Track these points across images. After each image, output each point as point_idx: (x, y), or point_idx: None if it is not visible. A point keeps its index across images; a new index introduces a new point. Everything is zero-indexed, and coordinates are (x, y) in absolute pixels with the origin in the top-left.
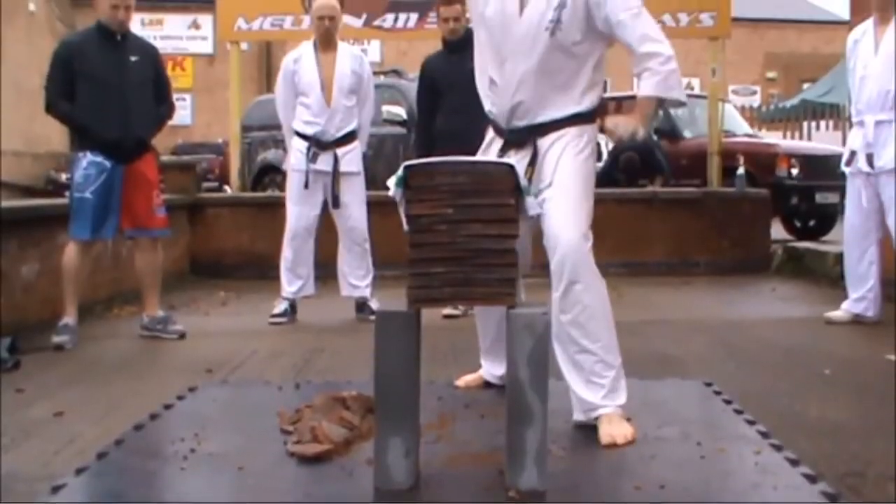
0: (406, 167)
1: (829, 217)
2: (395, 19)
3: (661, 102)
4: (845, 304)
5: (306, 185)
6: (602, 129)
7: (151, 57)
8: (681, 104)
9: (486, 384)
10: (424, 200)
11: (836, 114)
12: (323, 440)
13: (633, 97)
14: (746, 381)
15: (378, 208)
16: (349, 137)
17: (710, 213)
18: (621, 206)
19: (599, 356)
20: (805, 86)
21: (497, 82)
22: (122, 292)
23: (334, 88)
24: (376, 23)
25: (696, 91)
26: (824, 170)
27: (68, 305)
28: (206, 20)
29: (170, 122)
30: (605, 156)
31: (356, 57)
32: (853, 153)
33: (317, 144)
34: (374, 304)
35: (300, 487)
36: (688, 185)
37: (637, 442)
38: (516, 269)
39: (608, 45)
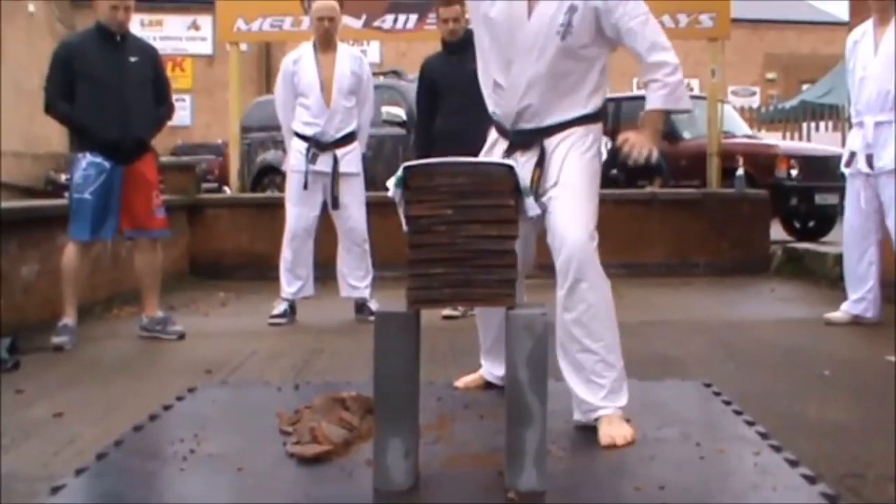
0: (405, 168)
1: (828, 218)
2: (395, 20)
3: (667, 113)
4: (845, 305)
5: (305, 186)
6: (616, 150)
7: (151, 57)
8: (686, 111)
9: (487, 384)
10: (424, 201)
11: (835, 115)
12: (322, 441)
13: (633, 97)
14: (746, 381)
15: (377, 209)
16: (349, 138)
17: (709, 214)
18: (621, 207)
19: (601, 356)
20: (804, 87)
21: (503, 85)
22: (121, 293)
23: (334, 89)
24: (376, 24)
25: (696, 92)
26: (824, 171)
27: (68, 306)
28: (205, 21)
29: (169, 123)
30: (604, 156)
31: (356, 58)
32: (853, 154)
33: (316, 145)
34: (373, 305)
35: (300, 488)
36: (687, 186)
37: (637, 443)
38: (516, 270)
39: (612, 49)
